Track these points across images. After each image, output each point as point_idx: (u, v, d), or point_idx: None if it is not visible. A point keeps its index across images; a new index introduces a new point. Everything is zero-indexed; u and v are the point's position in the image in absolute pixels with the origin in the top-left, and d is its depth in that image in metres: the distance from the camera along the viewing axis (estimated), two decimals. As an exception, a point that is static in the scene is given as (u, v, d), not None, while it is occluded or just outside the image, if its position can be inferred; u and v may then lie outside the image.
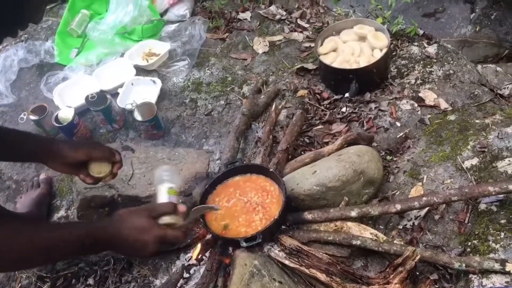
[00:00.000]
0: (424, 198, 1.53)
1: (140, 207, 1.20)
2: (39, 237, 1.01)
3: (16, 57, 2.63)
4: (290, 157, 1.88)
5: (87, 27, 2.64)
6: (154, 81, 2.33)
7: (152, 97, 2.25)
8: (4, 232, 0.95)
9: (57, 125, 2.07)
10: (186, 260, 1.71)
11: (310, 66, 2.31)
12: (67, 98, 2.33)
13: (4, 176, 2.14)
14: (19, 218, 1.17)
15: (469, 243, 1.48)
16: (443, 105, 2.01)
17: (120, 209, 1.15)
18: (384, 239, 1.53)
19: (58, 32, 2.71)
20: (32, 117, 2.11)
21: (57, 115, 2.09)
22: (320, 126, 2.06)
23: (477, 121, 1.86)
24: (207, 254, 1.65)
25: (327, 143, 1.96)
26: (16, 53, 2.65)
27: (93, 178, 1.32)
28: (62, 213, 1.93)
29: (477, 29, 3.77)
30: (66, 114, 2.08)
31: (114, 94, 2.30)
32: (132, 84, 2.35)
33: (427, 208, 1.61)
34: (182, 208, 1.19)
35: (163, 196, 1.24)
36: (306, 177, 1.65)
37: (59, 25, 2.72)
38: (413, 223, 1.63)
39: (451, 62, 2.19)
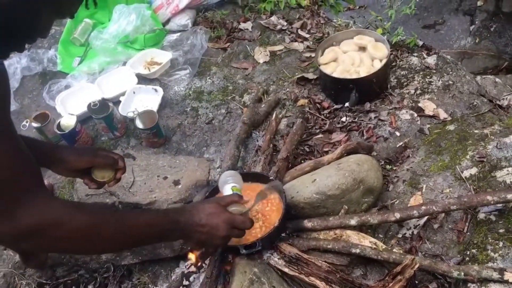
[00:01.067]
0: (423, 207, 1.54)
1: (209, 198, 1.41)
2: (125, 222, 1.09)
3: (19, 65, 2.65)
4: (290, 165, 1.89)
5: (90, 36, 2.66)
6: (155, 90, 2.35)
7: (154, 106, 2.27)
8: (93, 218, 1.02)
9: (59, 132, 2.08)
10: (185, 267, 1.72)
11: (310, 75, 2.33)
12: (69, 106, 2.35)
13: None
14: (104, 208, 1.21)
15: (468, 252, 1.48)
16: (443, 115, 2.03)
17: None
18: (383, 247, 1.53)
19: (61, 40, 2.73)
20: (35, 125, 2.13)
21: (59, 123, 2.11)
22: (320, 135, 2.07)
23: (476, 131, 1.87)
24: (207, 261, 1.65)
25: (327, 152, 1.97)
26: (19, 61, 2.67)
27: (96, 183, 1.34)
28: (62, 220, 1.93)
29: (476, 41, 3.80)
30: (68, 121, 2.10)
31: (116, 102, 2.31)
32: (134, 92, 2.36)
33: (426, 217, 1.62)
34: (246, 197, 1.41)
35: (229, 193, 1.49)
36: (306, 186, 1.66)
37: (62, 34, 2.75)
38: (412, 232, 1.63)
39: (451, 72, 2.21)
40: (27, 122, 2.19)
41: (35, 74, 2.68)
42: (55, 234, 0.94)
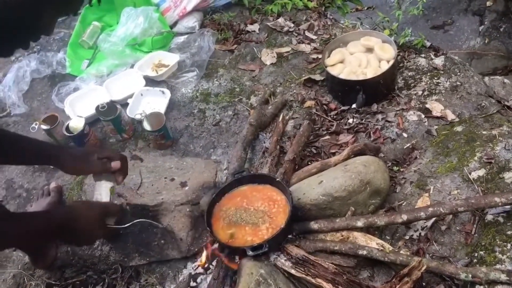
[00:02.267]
0: (431, 209, 1.53)
1: None
2: None
3: (28, 68, 2.68)
4: (297, 167, 1.89)
5: (99, 39, 2.68)
6: (163, 92, 2.37)
7: (161, 108, 2.28)
8: None
9: (67, 134, 2.10)
10: (193, 268, 1.72)
11: (317, 77, 2.33)
12: (78, 108, 2.37)
13: (15, 185, 2.17)
14: None
15: (476, 254, 1.48)
16: (450, 116, 2.02)
17: None
18: (390, 249, 1.53)
19: (70, 43, 2.76)
20: (44, 127, 2.15)
21: (68, 125, 2.13)
22: (327, 137, 2.07)
23: (484, 132, 1.86)
24: (214, 263, 1.66)
25: (334, 154, 1.97)
26: (28, 64, 2.70)
27: None
28: (71, 221, 1.95)
29: (486, 41, 3.77)
30: (76, 123, 2.12)
31: (124, 104, 2.33)
32: (142, 94, 2.38)
33: (433, 219, 1.61)
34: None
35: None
36: (313, 187, 1.66)
37: (71, 37, 2.78)
38: (420, 233, 1.63)
39: (458, 73, 2.20)
40: (36, 124, 2.21)
41: (44, 76, 2.71)
42: None
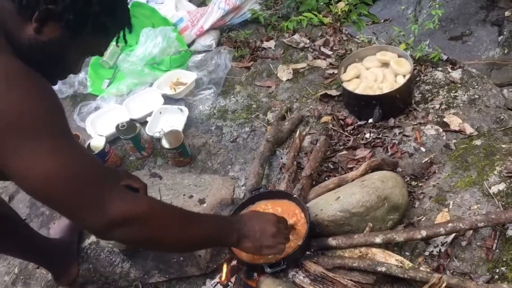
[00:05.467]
0: (450, 225, 1.52)
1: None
2: (198, 218, 1.24)
3: (51, 89, 2.75)
4: (314, 182, 1.90)
5: (118, 59, 2.75)
6: (181, 110, 2.40)
7: (179, 125, 2.32)
8: (176, 210, 1.19)
9: (89, 153, 2.15)
10: (212, 285, 1.73)
11: (333, 92, 2.34)
12: (99, 127, 2.43)
13: (39, 203, 2.22)
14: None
15: (497, 270, 1.45)
16: (469, 130, 2.00)
17: None
18: (410, 265, 1.52)
19: (91, 64, 2.83)
20: (66, 146, 2.20)
21: (89, 144, 2.18)
22: (344, 152, 2.07)
23: (503, 146, 1.84)
24: (233, 279, 1.66)
25: (351, 169, 1.97)
26: (51, 84, 2.77)
27: None
28: (92, 239, 1.98)
29: (505, 51, 3.72)
30: (98, 142, 2.17)
31: (143, 122, 2.38)
32: (160, 112, 2.42)
33: (453, 234, 1.59)
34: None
35: None
36: (330, 203, 1.66)
37: (92, 58, 2.85)
38: (440, 249, 1.61)
39: (476, 86, 2.19)
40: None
41: (66, 96, 2.77)
42: (145, 223, 1.05)
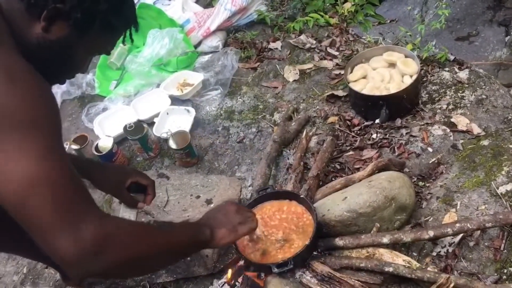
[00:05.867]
0: (458, 225, 1.51)
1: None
2: (170, 231, 1.17)
3: (59, 90, 2.77)
4: (321, 183, 1.90)
5: (126, 60, 2.77)
6: (188, 110, 2.41)
7: (186, 126, 2.33)
8: (136, 228, 1.04)
9: (97, 154, 2.16)
10: (219, 285, 1.73)
11: (340, 93, 2.34)
12: (107, 128, 2.44)
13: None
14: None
15: (505, 270, 1.45)
16: (476, 130, 1.99)
17: None
18: (417, 266, 1.51)
19: (99, 65, 2.85)
20: (74, 147, 2.22)
21: (97, 145, 2.19)
22: (350, 152, 2.07)
23: (511, 146, 1.83)
24: (240, 280, 1.67)
25: (358, 169, 1.97)
26: (59, 86, 2.79)
27: None
28: (100, 238, 1.99)
29: (512, 52, 3.71)
30: (105, 143, 2.18)
31: (150, 123, 2.39)
32: (167, 113, 2.44)
33: (461, 235, 1.59)
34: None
35: None
36: (337, 203, 1.66)
37: (100, 59, 2.87)
38: (447, 250, 1.61)
39: (484, 87, 2.18)
40: (67, 144, 2.28)
41: (74, 98, 2.79)
42: (119, 244, 0.92)
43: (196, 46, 2.85)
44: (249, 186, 2.03)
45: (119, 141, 2.36)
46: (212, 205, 1.84)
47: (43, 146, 0.86)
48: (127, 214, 1.49)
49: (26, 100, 0.88)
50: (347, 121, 2.22)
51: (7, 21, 0.97)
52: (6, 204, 0.85)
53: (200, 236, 1.23)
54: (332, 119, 2.24)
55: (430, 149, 1.98)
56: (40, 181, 0.84)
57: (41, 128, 0.88)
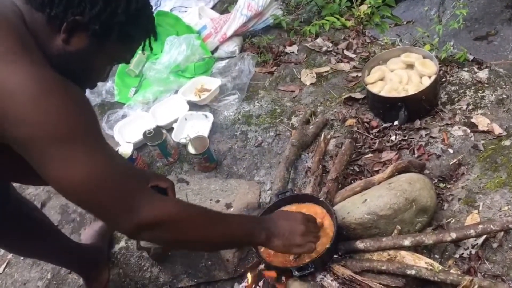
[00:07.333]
0: (481, 226, 1.49)
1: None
2: (225, 218, 1.32)
3: (80, 98, 2.82)
4: (340, 186, 1.89)
5: (144, 67, 2.81)
6: (206, 116, 2.43)
7: (205, 131, 2.35)
8: (203, 211, 1.23)
9: (117, 160, 2.19)
10: (240, 289, 1.74)
11: (357, 95, 2.34)
12: (127, 134, 2.48)
13: (70, 209, 2.28)
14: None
15: (531, 273, 1.42)
16: (497, 130, 1.96)
17: None
18: (440, 268, 1.50)
19: (118, 73, 2.89)
20: (95, 153, 2.25)
21: (117, 151, 2.22)
22: (369, 155, 2.06)
23: (534, 145, 1.81)
24: (261, 283, 1.67)
25: (377, 172, 1.96)
26: (80, 93, 2.84)
27: None
28: (122, 244, 2.02)
29: (533, 51, 3.64)
30: (125, 149, 2.21)
31: (169, 129, 2.41)
32: (186, 119, 2.46)
33: (484, 236, 1.57)
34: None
35: None
36: (357, 206, 1.65)
37: (118, 67, 2.91)
38: (470, 251, 1.59)
39: (504, 86, 2.15)
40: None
41: (94, 105, 2.83)
42: (173, 225, 1.11)
43: (213, 52, 2.88)
44: (268, 190, 2.03)
45: (139, 147, 2.39)
46: (231, 209, 1.85)
47: (86, 151, 0.98)
48: None
49: (62, 113, 0.95)
50: (366, 124, 2.21)
51: (32, 34, 1.00)
52: (72, 202, 1.07)
53: (255, 236, 1.29)
54: (350, 121, 2.23)
55: (450, 150, 1.96)
56: (91, 182, 0.98)
57: (83, 134, 0.98)
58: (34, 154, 0.96)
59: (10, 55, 0.93)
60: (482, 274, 1.51)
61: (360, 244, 1.61)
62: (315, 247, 1.41)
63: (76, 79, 1.08)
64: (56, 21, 1.01)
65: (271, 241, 1.31)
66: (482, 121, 2.02)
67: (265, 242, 1.32)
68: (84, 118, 1.00)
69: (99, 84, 2.81)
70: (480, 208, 1.68)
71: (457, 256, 1.59)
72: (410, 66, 2.21)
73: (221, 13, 3.15)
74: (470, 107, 2.11)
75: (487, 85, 2.18)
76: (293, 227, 1.36)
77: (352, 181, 1.94)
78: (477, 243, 1.58)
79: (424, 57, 2.18)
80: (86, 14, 1.01)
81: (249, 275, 1.63)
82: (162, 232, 1.10)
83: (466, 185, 1.80)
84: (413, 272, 1.48)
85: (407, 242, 1.55)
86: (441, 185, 1.86)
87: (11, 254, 2.16)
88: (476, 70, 2.28)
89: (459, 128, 2.03)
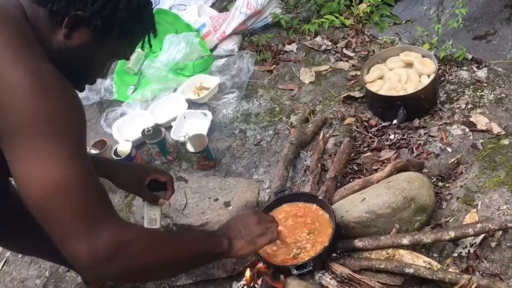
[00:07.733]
0: (479, 225, 1.49)
1: None
2: (183, 239, 1.20)
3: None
4: (339, 184, 1.89)
5: (143, 65, 2.81)
6: (205, 114, 2.43)
7: (203, 129, 2.35)
8: (151, 238, 1.05)
9: (116, 158, 2.19)
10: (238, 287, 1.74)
11: (356, 94, 2.34)
12: (125, 133, 2.47)
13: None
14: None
15: (529, 271, 1.42)
16: (496, 129, 1.97)
17: None
18: (438, 267, 1.50)
19: (116, 71, 2.89)
20: (93, 151, 2.25)
21: (116, 149, 2.22)
22: (368, 153, 2.06)
23: (532, 144, 1.81)
24: (259, 282, 1.67)
25: (376, 170, 1.96)
26: (78, 92, 2.83)
27: None
28: (120, 241, 2.02)
29: (532, 51, 3.65)
30: (124, 147, 2.21)
31: (168, 127, 2.41)
32: (185, 117, 2.46)
33: (482, 235, 1.57)
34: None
35: None
36: (356, 205, 1.65)
37: (117, 65, 2.91)
38: (469, 250, 1.59)
39: (503, 85, 2.15)
40: (87, 149, 2.32)
41: (93, 103, 2.84)
42: (133, 252, 0.95)
43: (212, 50, 2.88)
44: (267, 188, 2.03)
45: (138, 145, 2.38)
46: (230, 208, 1.85)
47: (67, 153, 0.90)
48: (152, 212, 1.53)
49: (55, 108, 0.92)
50: (364, 122, 2.21)
51: (33, 29, 0.99)
52: (30, 207, 0.90)
53: (216, 248, 1.22)
54: (349, 120, 2.23)
55: (449, 149, 1.96)
56: (61, 188, 0.88)
57: (67, 135, 0.92)
58: (18, 145, 0.89)
59: (11, 49, 0.93)
60: (480, 272, 1.51)
61: (358, 243, 1.61)
62: (275, 230, 1.38)
63: (76, 75, 1.07)
64: (57, 16, 1.00)
65: (233, 244, 1.26)
66: (480, 120, 2.02)
67: (229, 248, 1.25)
68: (73, 118, 0.96)
69: (98, 82, 2.82)
70: (479, 207, 1.68)
71: (455, 254, 1.60)
72: (409, 65, 2.21)
73: (220, 11, 3.15)
74: (469, 106, 2.11)
75: (486, 84, 2.18)
76: (245, 221, 1.34)
77: (351, 180, 1.95)
78: (476, 242, 1.58)
79: (423, 56, 2.18)
80: (88, 9, 1.00)
81: (247, 273, 1.63)
82: (119, 260, 0.93)
83: (465, 184, 1.81)
84: (411, 270, 1.48)
85: (405, 241, 1.55)
86: (440, 184, 1.86)
87: (9, 252, 2.15)
88: (475, 69, 2.28)
89: (458, 127, 2.03)
